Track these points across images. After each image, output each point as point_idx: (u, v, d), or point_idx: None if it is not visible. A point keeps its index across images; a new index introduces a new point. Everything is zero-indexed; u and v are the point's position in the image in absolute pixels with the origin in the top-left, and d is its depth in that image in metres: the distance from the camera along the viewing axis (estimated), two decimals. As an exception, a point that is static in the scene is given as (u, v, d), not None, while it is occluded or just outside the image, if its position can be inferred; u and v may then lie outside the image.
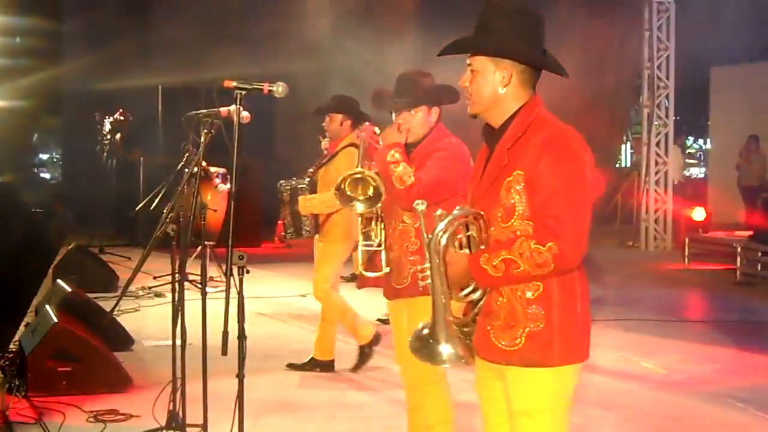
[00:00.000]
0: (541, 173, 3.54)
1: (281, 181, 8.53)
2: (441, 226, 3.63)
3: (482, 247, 3.68)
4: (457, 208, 3.74)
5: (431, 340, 3.71)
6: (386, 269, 5.37)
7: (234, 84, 5.05)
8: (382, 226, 5.43)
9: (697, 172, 31.87)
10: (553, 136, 3.61)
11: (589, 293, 3.77)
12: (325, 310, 8.37)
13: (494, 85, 3.72)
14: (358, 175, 5.35)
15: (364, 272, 5.52)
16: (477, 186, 3.81)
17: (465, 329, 3.78)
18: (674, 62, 18.28)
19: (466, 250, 3.71)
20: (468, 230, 3.72)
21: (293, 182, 8.33)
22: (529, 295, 3.61)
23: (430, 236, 3.65)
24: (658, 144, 18.47)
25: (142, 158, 16.79)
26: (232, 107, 5.16)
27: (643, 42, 18.58)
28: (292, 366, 8.45)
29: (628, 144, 25.71)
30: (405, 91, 5.24)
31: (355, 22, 17.29)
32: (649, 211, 18.45)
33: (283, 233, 8.59)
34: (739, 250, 14.09)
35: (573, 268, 3.57)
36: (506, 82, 3.70)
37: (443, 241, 3.63)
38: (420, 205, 3.77)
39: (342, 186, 5.37)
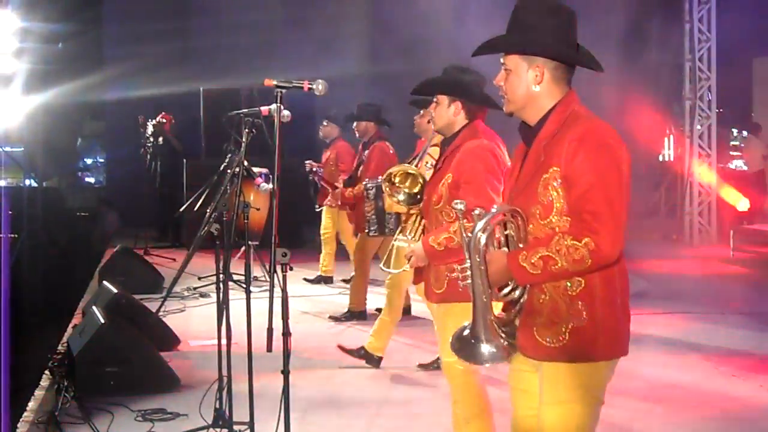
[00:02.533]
0: (577, 168, 3.55)
1: (366, 181, 8.72)
2: (480, 225, 3.63)
3: (521, 245, 3.69)
4: (495, 206, 3.75)
5: (473, 340, 3.72)
6: (406, 267, 5.40)
7: (274, 82, 5.09)
8: (422, 223, 5.45)
9: (741, 163, 31.55)
10: (587, 132, 3.62)
11: (628, 287, 3.77)
12: (391, 307, 8.56)
13: (528, 83, 3.75)
14: (412, 171, 5.43)
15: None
16: (515, 184, 3.83)
17: (505, 328, 3.79)
18: (716, 54, 18.14)
19: (505, 249, 3.72)
20: (506, 229, 3.73)
21: (379, 180, 8.43)
22: (571, 290, 3.62)
23: (469, 235, 3.66)
24: (701, 136, 18.34)
25: (185, 160, 16.91)
26: (273, 106, 5.20)
27: (683, 34, 18.46)
28: (342, 348, 8.62)
29: (671, 137, 25.48)
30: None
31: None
32: (693, 203, 18.33)
33: (366, 230, 8.69)
34: (784, 241, 13.98)
35: (610, 262, 3.57)
36: (539, 80, 3.73)
37: (483, 241, 3.64)
38: (459, 205, 3.77)
39: (392, 175, 5.44)
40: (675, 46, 19.01)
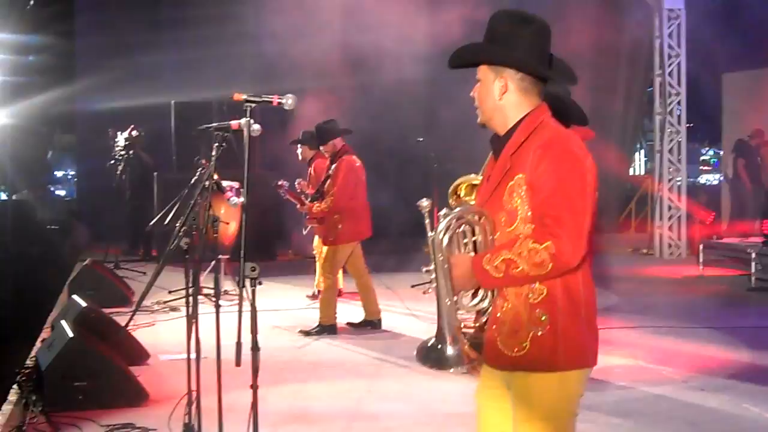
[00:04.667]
0: (541, 175, 3.58)
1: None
2: (442, 224, 3.68)
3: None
4: (461, 206, 3.78)
5: (438, 345, 3.73)
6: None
7: (244, 97, 5.09)
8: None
9: (711, 178, 31.81)
10: (552, 140, 3.64)
11: (595, 299, 3.78)
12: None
13: (494, 93, 3.76)
14: (476, 182, 5.42)
15: None
16: (483, 192, 3.87)
17: (474, 339, 3.80)
18: (686, 69, 18.29)
19: (472, 254, 3.74)
20: (474, 235, 3.75)
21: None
22: (532, 299, 3.64)
23: (431, 234, 3.68)
24: (670, 151, 18.46)
25: (156, 173, 16.88)
26: (243, 120, 5.20)
27: (653, 50, 18.61)
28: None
29: (642, 152, 25.69)
30: None
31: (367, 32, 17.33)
32: (662, 218, 18.44)
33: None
34: (753, 255, 14.06)
35: (571, 267, 3.58)
36: (504, 91, 3.75)
37: (445, 240, 3.67)
38: (424, 202, 3.80)
39: (458, 188, 5.43)
40: (645, 61, 19.16)
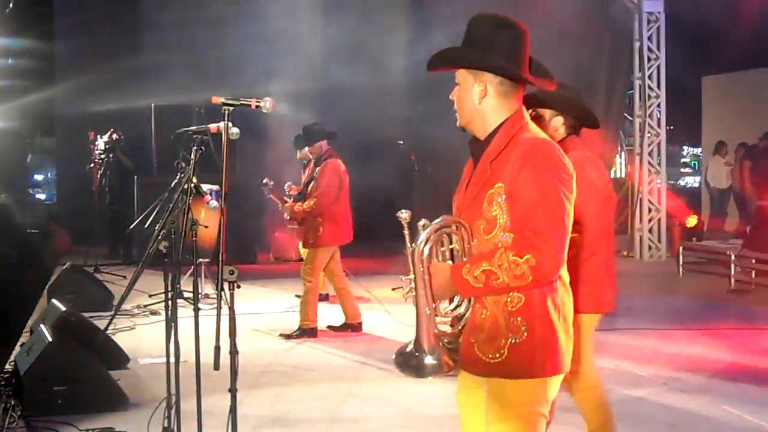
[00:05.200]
0: (521, 185, 3.58)
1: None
2: (423, 236, 3.67)
3: (465, 258, 3.71)
4: (440, 218, 3.77)
5: (416, 353, 3.73)
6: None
7: (222, 100, 5.09)
8: None
9: (692, 180, 31.92)
10: (533, 149, 3.64)
11: (572, 304, 3.80)
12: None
13: (473, 97, 3.76)
14: None
15: None
16: (462, 199, 3.85)
17: (450, 346, 3.80)
18: (665, 72, 18.36)
19: (450, 262, 3.74)
20: (451, 242, 3.75)
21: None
22: (511, 306, 3.65)
23: (413, 246, 3.68)
24: (650, 154, 18.51)
25: (135, 176, 16.84)
26: (222, 123, 5.19)
27: (633, 52, 18.66)
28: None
29: (623, 154, 25.74)
30: None
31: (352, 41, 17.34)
32: (642, 220, 18.49)
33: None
34: (732, 257, 14.12)
35: (551, 279, 3.61)
36: (483, 95, 3.75)
37: (426, 252, 3.66)
38: (403, 213, 3.79)
39: None
40: (625, 64, 19.20)
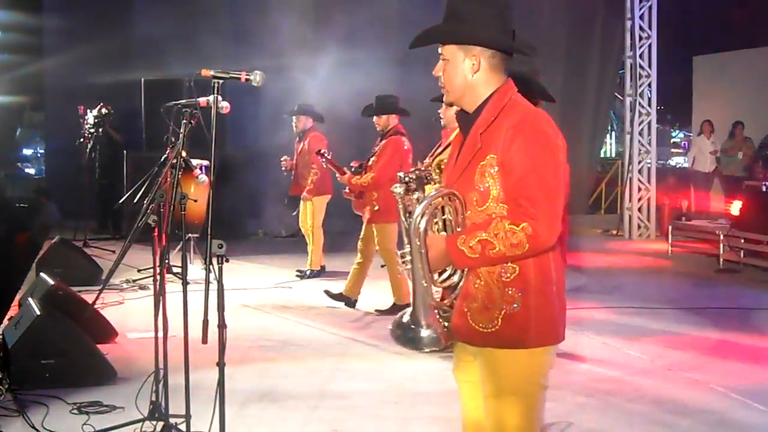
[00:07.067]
0: (513, 155, 3.57)
1: (400, 174, 8.62)
2: (419, 209, 3.66)
3: (458, 229, 3.71)
4: (434, 189, 3.76)
5: (412, 326, 3.72)
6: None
7: (211, 73, 5.05)
8: None
9: (681, 161, 31.96)
10: (524, 119, 3.63)
11: (564, 276, 3.81)
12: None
13: (464, 72, 3.75)
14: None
15: None
16: (452, 171, 3.84)
17: (444, 314, 3.80)
18: (656, 51, 18.36)
19: (443, 233, 3.74)
20: (444, 213, 3.75)
21: (416, 172, 8.34)
22: (505, 277, 3.64)
23: (409, 220, 3.67)
24: (641, 133, 18.53)
25: (125, 151, 16.79)
26: (211, 97, 5.16)
27: (625, 31, 18.65)
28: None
29: (613, 134, 25.76)
30: None
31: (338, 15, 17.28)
32: (632, 199, 18.52)
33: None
34: (721, 237, 14.16)
35: (547, 247, 3.60)
36: (476, 69, 3.74)
37: (422, 225, 3.65)
38: (398, 188, 3.78)
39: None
40: (617, 43, 19.20)
